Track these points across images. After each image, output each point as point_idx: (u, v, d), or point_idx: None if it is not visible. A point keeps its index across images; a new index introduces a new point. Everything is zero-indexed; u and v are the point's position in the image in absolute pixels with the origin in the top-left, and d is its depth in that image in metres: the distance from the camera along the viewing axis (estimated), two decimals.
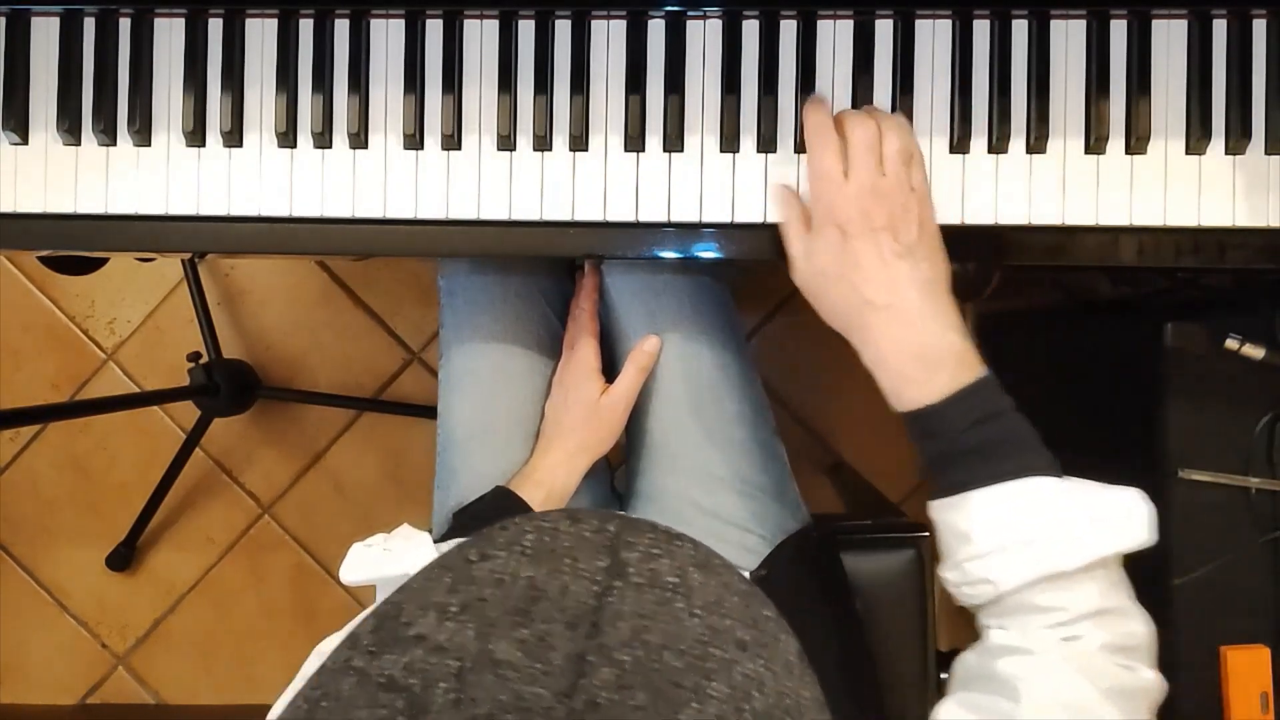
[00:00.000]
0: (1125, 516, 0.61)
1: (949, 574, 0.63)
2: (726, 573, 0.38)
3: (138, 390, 1.64)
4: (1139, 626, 0.60)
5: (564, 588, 0.35)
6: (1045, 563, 0.59)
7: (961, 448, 0.63)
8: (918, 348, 0.65)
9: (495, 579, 0.35)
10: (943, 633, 1.01)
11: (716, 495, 0.87)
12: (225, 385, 1.51)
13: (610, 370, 0.90)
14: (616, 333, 0.92)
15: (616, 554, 0.36)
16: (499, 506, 0.85)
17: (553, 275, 0.97)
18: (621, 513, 0.40)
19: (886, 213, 0.66)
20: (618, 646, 0.33)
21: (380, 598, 0.77)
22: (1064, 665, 0.56)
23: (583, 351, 0.89)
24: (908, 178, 0.67)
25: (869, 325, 0.66)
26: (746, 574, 0.79)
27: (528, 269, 0.95)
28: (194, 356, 1.53)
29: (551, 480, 0.86)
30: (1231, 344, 0.91)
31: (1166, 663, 0.95)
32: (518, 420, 0.91)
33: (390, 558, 0.76)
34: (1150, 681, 0.59)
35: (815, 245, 0.68)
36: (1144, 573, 0.99)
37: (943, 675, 0.99)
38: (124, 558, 1.64)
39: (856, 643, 0.64)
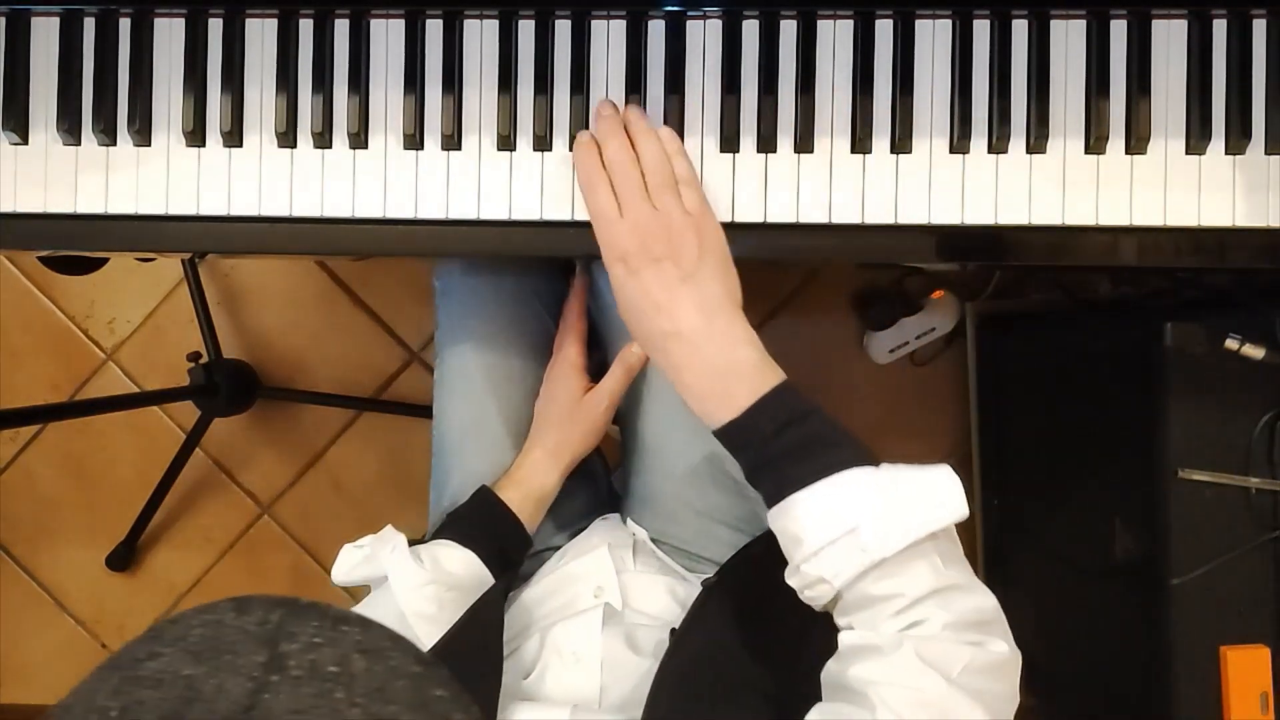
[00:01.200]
0: (939, 494, 0.61)
1: (792, 580, 0.63)
2: (397, 655, 0.38)
3: (138, 390, 1.64)
4: (983, 600, 0.60)
5: (220, 686, 0.35)
6: (871, 551, 0.58)
7: (774, 454, 0.64)
8: (712, 367, 0.66)
9: (156, 679, 0.35)
10: None
11: (707, 495, 0.87)
12: (225, 385, 1.51)
13: (603, 370, 0.90)
14: (609, 333, 0.92)
15: (276, 647, 0.36)
16: (481, 508, 0.85)
17: (547, 276, 0.97)
18: (295, 598, 0.38)
19: (663, 241, 0.67)
20: None
21: (371, 599, 0.77)
22: (913, 661, 0.55)
23: (568, 351, 0.89)
24: (678, 203, 0.68)
25: (667, 352, 0.68)
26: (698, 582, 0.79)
27: (522, 269, 0.95)
28: (194, 356, 1.53)
29: (530, 479, 0.86)
30: (1231, 344, 0.91)
31: (1166, 663, 0.96)
32: (510, 420, 0.92)
33: (369, 561, 0.76)
34: (1004, 654, 0.58)
35: (614, 285, 0.69)
36: (1144, 573, 1.00)
37: None
38: (124, 558, 1.64)
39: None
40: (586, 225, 0.73)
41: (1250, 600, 0.94)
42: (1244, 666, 0.92)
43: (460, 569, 0.79)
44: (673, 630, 0.71)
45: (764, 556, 0.68)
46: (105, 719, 0.34)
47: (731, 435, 0.66)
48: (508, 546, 0.84)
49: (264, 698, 0.34)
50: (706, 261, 0.68)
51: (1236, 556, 0.94)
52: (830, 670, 0.59)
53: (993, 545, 1.45)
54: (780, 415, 0.64)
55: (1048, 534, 1.27)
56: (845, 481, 0.61)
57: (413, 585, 0.74)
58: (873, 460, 0.63)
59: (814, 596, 0.62)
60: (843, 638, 0.60)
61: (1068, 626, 1.24)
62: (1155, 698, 0.97)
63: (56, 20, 0.74)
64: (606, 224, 0.69)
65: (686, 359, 0.67)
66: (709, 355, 0.66)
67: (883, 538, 0.59)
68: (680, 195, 0.69)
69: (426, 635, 0.71)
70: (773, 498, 0.64)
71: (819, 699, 0.59)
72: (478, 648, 0.65)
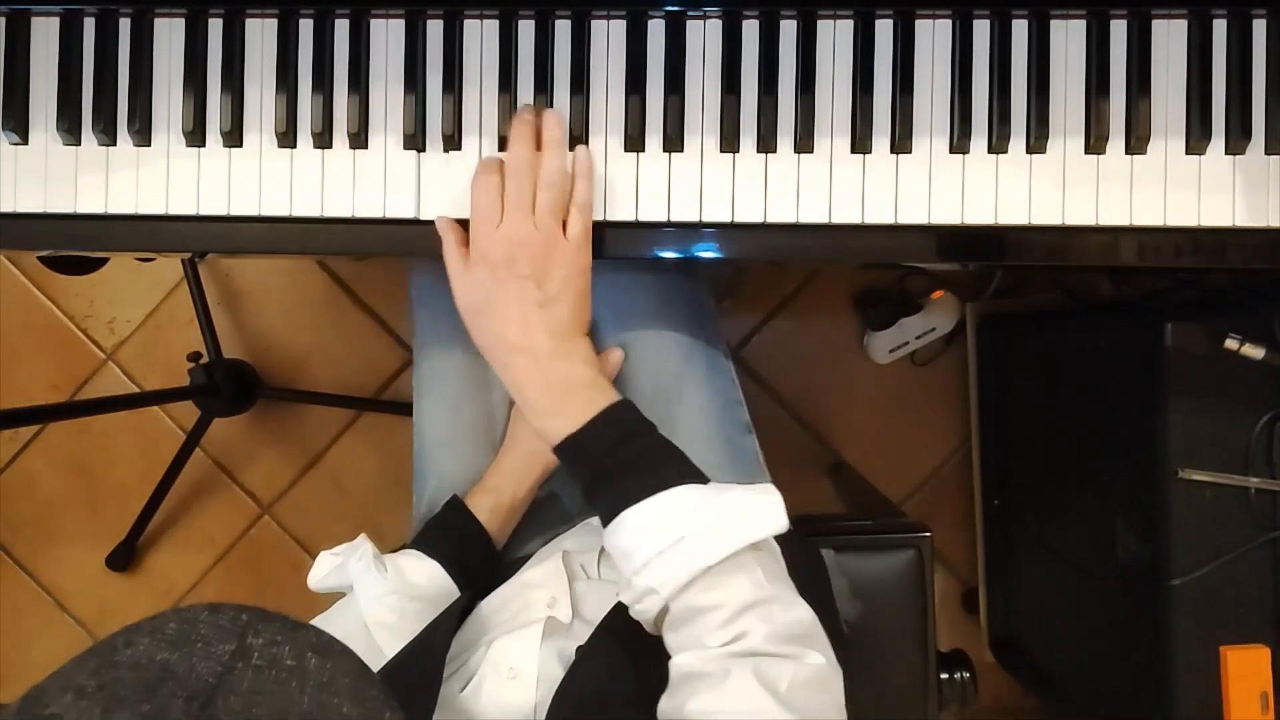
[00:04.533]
0: (762, 509, 0.64)
1: (625, 596, 0.65)
2: (343, 659, 0.44)
3: (138, 390, 1.64)
4: (801, 613, 0.62)
5: (191, 668, 0.40)
6: (695, 559, 0.61)
7: (607, 469, 0.66)
8: (553, 383, 0.69)
9: (133, 662, 0.40)
10: (943, 633, 1.01)
11: None
12: (225, 385, 1.51)
13: None
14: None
15: (244, 639, 0.42)
16: (449, 519, 0.85)
17: None
18: (259, 607, 0.46)
19: (531, 261, 0.69)
20: (227, 715, 0.38)
21: (338, 605, 0.77)
22: (744, 685, 0.57)
23: None
24: (557, 229, 0.70)
25: (508, 363, 0.71)
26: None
27: None
28: (194, 356, 1.53)
29: (500, 488, 0.86)
30: (1231, 344, 0.91)
31: (1166, 663, 0.96)
32: (486, 427, 0.92)
33: (340, 569, 0.77)
34: (821, 666, 0.59)
35: (468, 279, 0.71)
36: (1144, 573, 1.00)
37: (943, 675, 0.99)
38: (124, 558, 1.64)
39: (833, 632, 0.65)
40: None
41: (1250, 600, 0.94)
42: (1244, 666, 0.92)
43: (423, 580, 0.79)
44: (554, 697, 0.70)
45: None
46: (82, 694, 0.38)
47: (569, 449, 0.68)
48: (472, 558, 0.83)
49: (229, 679, 0.40)
50: (567, 293, 0.70)
51: (1236, 556, 0.94)
52: (665, 707, 0.60)
53: (993, 545, 1.45)
54: (615, 431, 0.67)
55: (1048, 534, 1.27)
56: (675, 496, 0.64)
57: (375, 595, 0.75)
58: (703, 479, 0.66)
59: (643, 609, 0.64)
60: (674, 665, 0.61)
61: (1068, 626, 1.24)
62: (1155, 698, 0.97)
63: (56, 20, 0.74)
64: (487, 226, 0.70)
65: (529, 375, 0.70)
66: (551, 373, 0.69)
67: (707, 547, 0.61)
68: (567, 219, 0.70)
69: (387, 644, 0.72)
70: (606, 516, 0.66)
71: None
72: (419, 671, 0.66)
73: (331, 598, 0.80)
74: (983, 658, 1.44)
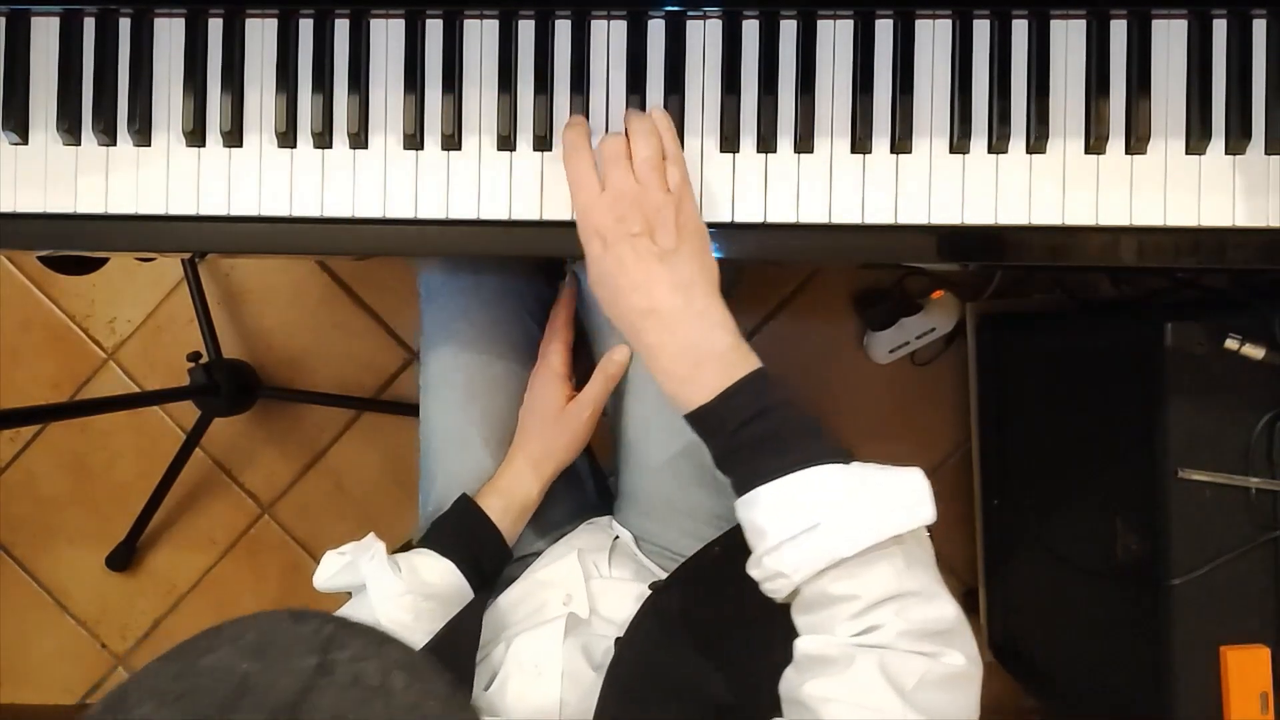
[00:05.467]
0: (907, 496, 0.60)
1: (753, 571, 0.62)
2: (432, 678, 0.41)
3: (138, 390, 1.63)
4: (945, 610, 0.58)
5: (272, 682, 0.38)
6: (831, 549, 0.58)
7: (742, 443, 0.63)
8: (683, 348, 0.65)
9: (213, 670, 0.39)
10: None
11: (689, 493, 0.86)
12: (225, 385, 1.51)
13: (591, 373, 0.90)
14: (594, 335, 0.92)
15: (327, 654, 0.40)
16: (461, 518, 0.85)
17: (530, 279, 0.96)
18: (343, 617, 0.43)
19: (642, 218, 0.66)
20: None
21: (350, 606, 0.77)
22: (867, 676, 0.54)
23: (552, 359, 0.89)
24: (661, 181, 0.68)
25: (640, 330, 0.67)
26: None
27: (505, 272, 0.94)
28: (194, 356, 1.52)
29: (512, 488, 0.86)
30: (1231, 344, 0.91)
31: (1166, 663, 0.96)
32: (493, 426, 0.91)
33: (350, 568, 0.76)
34: (960, 666, 0.57)
35: (589, 259, 0.69)
36: (1144, 573, 1.00)
37: None
38: (124, 558, 1.64)
39: None
40: None
41: (1250, 600, 0.94)
42: (1244, 666, 0.92)
43: (437, 579, 0.78)
44: (617, 640, 0.70)
45: (723, 556, 0.67)
46: (164, 701, 0.38)
47: (702, 420, 0.65)
48: (485, 557, 0.83)
49: (310, 697, 0.38)
50: (685, 241, 0.67)
51: (1236, 556, 0.94)
52: (788, 680, 0.58)
53: (993, 545, 1.45)
54: (751, 404, 0.63)
55: (1048, 534, 1.27)
56: (812, 477, 0.60)
57: (390, 594, 0.74)
58: (845, 457, 0.62)
59: (773, 589, 0.61)
60: (799, 644, 0.59)
61: (1068, 626, 1.24)
62: (1155, 698, 0.97)
63: (56, 20, 0.74)
64: (588, 196, 0.68)
65: (661, 339, 0.66)
66: (684, 336, 0.66)
67: (844, 537, 0.58)
68: (665, 172, 0.68)
69: None
70: (740, 488, 0.63)
71: (778, 704, 0.58)
72: (452, 663, 0.65)
73: (335, 598, 0.80)
74: (983, 658, 1.44)
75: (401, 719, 0.39)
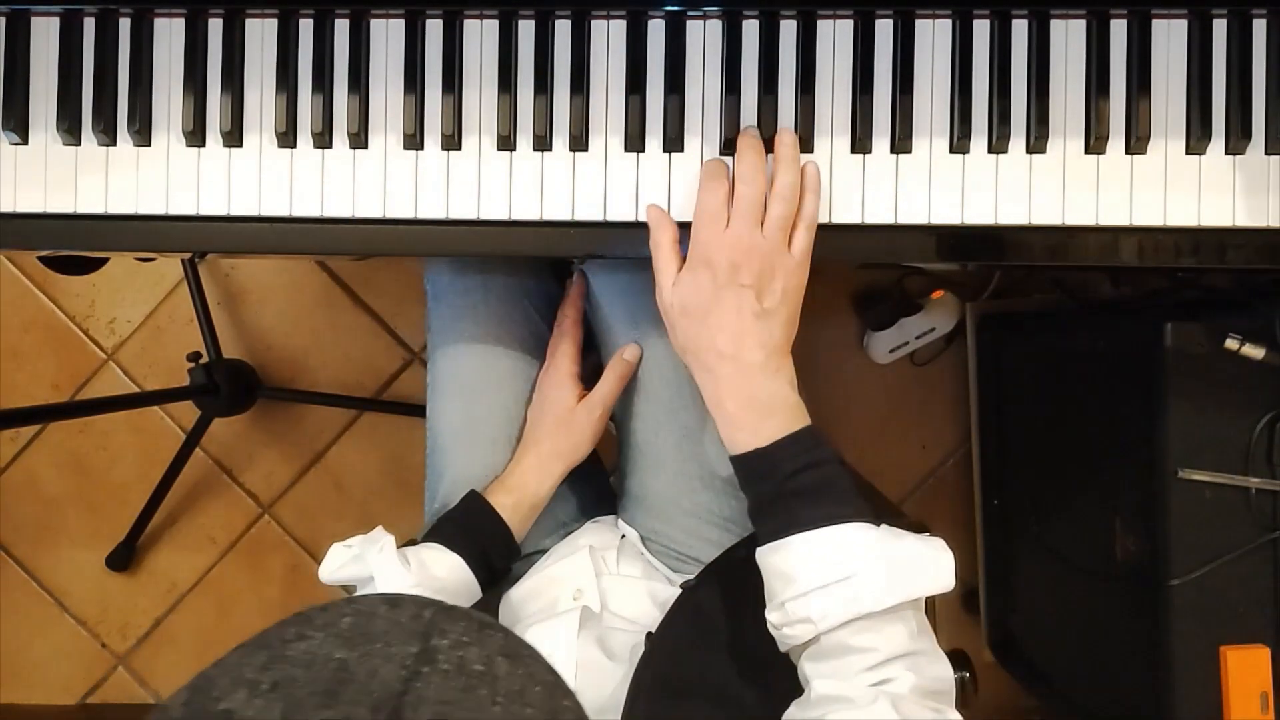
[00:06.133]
0: (931, 563, 0.64)
1: (772, 615, 0.65)
2: (534, 663, 0.40)
3: (138, 390, 1.64)
4: (945, 670, 0.63)
5: (373, 671, 0.36)
6: (859, 602, 0.61)
7: (786, 491, 0.66)
8: (753, 398, 0.69)
9: (307, 659, 0.37)
10: (942, 632, 1.01)
11: (696, 494, 0.87)
12: (225, 385, 1.51)
13: (599, 371, 0.90)
14: (602, 333, 0.92)
15: (428, 640, 0.38)
16: (470, 513, 0.85)
17: (537, 277, 0.96)
18: (441, 601, 0.42)
19: (755, 272, 0.68)
20: None
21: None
22: (885, 714, 0.57)
23: (561, 359, 0.89)
24: (784, 241, 0.69)
25: (713, 369, 0.69)
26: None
27: (512, 270, 0.95)
28: (194, 356, 1.53)
29: (522, 486, 0.86)
30: (1231, 344, 0.91)
31: (1166, 663, 0.96)
32: (500, 424, 0.92)
33: (357, 561, 0.76)
34: None
35: (685, 279, 0.70)
36: (1144, 573, 1.00)
37: None
38: (124, 558, 1.64)
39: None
40: (586, 225, 0.73)
41: (1250, 600, 0.94)
42: (1244, 666, 0.92)
43: (446, 573, 0.79)
44: (649, 635, 0.70)
45: (749, 559, 0.68)
46: (255, 691, 0.35)
47: (750, 462, 0.68)
48: (494, 554, 0.83)
49: (416, 686, 0.36)
50: (784, 309, 0.69)
51: (1236, 556, 0.94)
52: (795, 716, 0.61)
53: (993, 545, 1.45)
54: (802, 456, 0.67)
55: (1048, 534, 1.27)
56: (849, 532, 0.64)
57: (399, 588, 0.74)
58: (875, 520, 0.66)
59: (791, 635, 0.64)
60: (817, 685, 0.61)
61: (1068, 626, 1.24)
62: (1155, 698, 0.97)
63: (56, 20, 0.74)
64: (714, 227, 0.69)
65: (734, 384, 0.69)
66: (756, 388, 0.68)
67: (874, 592, 0.61)
68: (792, 234, 0.69)
69: None
70: (773, 534, 0.65)
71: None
72: None
73: (339, 592, 0.80)
74: (982, 658, 1.44)
75: (506, 705, 0.37)
